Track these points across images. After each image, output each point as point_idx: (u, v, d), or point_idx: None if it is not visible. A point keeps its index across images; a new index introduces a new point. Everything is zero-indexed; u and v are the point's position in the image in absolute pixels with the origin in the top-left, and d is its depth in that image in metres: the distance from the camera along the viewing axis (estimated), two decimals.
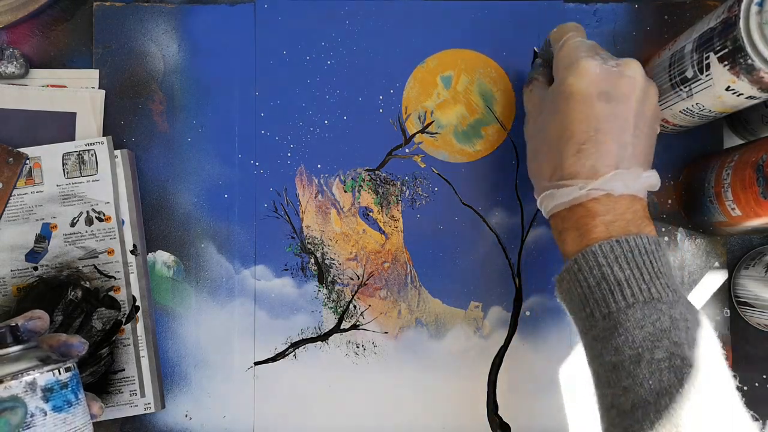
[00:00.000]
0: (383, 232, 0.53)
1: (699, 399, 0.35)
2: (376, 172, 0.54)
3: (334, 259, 0.53)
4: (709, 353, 0.37)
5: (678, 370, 0.35)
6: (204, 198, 0.53)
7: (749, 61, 0.38)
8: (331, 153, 0.54)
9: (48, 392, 0.38)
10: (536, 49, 0.51)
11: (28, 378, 0.38)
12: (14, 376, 0.38)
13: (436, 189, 0.54)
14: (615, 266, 0.38)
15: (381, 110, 0.54)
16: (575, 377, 0.52)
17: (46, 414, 0.38)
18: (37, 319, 0.42)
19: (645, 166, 0.42)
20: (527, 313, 0.53)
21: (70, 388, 0.40)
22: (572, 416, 0.52)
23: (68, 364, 0.40)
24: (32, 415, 0.37)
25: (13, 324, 0.40)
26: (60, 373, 0.39)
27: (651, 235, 0.40)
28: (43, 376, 0.38)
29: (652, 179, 0.42)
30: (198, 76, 0.54)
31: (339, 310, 0.53)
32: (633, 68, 0.42)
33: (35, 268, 0.50)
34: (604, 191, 0.40)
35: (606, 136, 0.40)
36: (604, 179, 0.40)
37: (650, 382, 0.36)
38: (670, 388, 0.35)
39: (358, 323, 0.53)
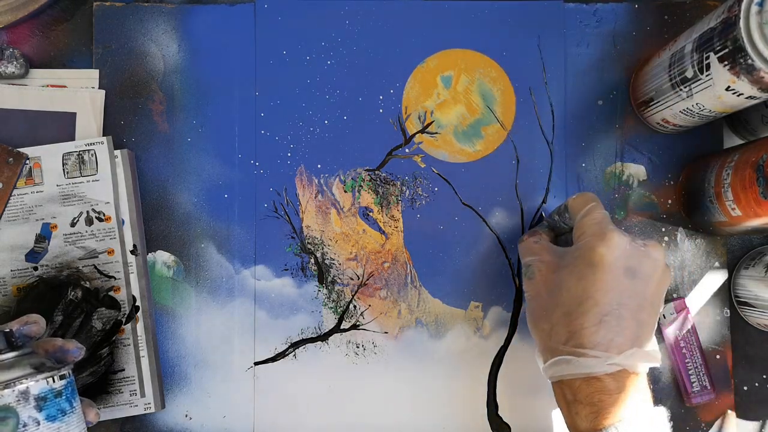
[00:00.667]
0: (383, 232, 0.53)
1: None
2: (376, 172, 0.54)
3: (334, 259, 0.53)
4: None
5: None
6: (204, 198, 0.53)
7: (749, 61, 0.38)
8: (331, 153, 0.54)
9: (41, 401, 0.37)
10: (544, 214, 0.53)
11: (21, 387, 0.37)
12: (6, 384, 0.37)
13: (436, 189, 0.54)
14: None
15: (381, 110, 0.54)
16: None
17: (39, 423, 0.37)
18: (33, 323, 0.41)
19: (652, 344, 0.42)
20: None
21: (64, 397, 0.39)
22: None
23: (63, 372, 0.39)
24: (24, 425, 0.37)
25: (8, 330, 0.39)
26: (54, 381, 0.38)
27: (655, 412, 0.41)
28: (37, 385, 0.37)
29: (658, 355, 0.42)
30: (198, 76, 0.54)
31: (339, 310, 0.53)
32: (658, 251, 0.43)
33: (35, 268, 0.50)
34: (621, 367, 0.40)
35: (627, 311, 0.41)
36: (625, 356, 0.40)
37: None
38: None
39: (358, 323, 0.53)
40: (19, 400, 0.37)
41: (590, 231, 0.43)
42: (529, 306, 0.46)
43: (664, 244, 0.53)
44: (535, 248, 0.47)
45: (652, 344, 0.42)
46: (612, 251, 0.42)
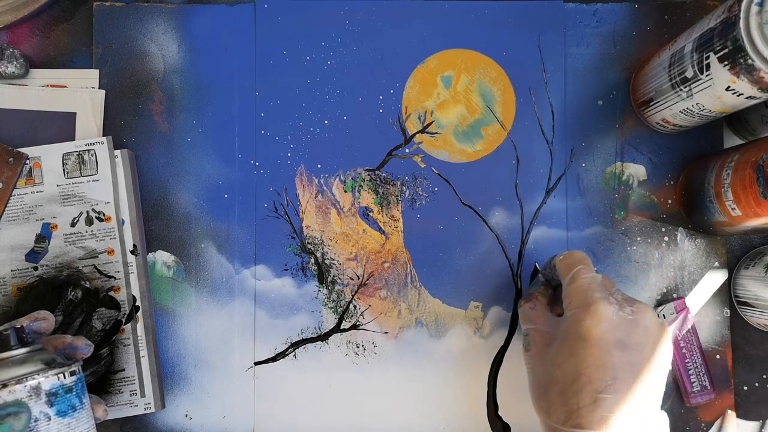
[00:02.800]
0: (383, 232, 0.53)
1: None
2: (376, 172, 0.54)
3: (334, 259, 0.53)
4: None
5: None
6: (204, 198, 0.53)
7: (749, 61, 0.38)
8: (331, 153, 0.54)
9: (53, 397, 0.38)
10: (537, 266, 0.51)
11: (32, 382, 0.37)
12: (19, 380, 0.37)
13: (436, 189, 0.54)
14: None
15: (381, 110, 0.54)
16: None
17: (50, 419, 0.38)
18: (43, 320, 0.42)
19: (657, 409, 0.41)
20: None
21: (74, 393, 0.39)
22: None
23: (73, 368, 0.40)
24: (36, 420, 0.37)
25: (18, 326, 0.40)
26: (65, 377, 0.39)
27: None
28: (48, 381, 0.38)
29: (663, 424, 0.41)
30: (198, 76, 0.54)
31: (339, 310, 0.53)
32: (648, 318, 0.41)
33: (35, 268, 0.50)
34: None
35: (624, 385, 0.40)
36: None
37: None
38: None
39: (358, 323, 0.53)
40: (30, 396, 0.37)
41: (576, 302, 0.42)
42: (528, 379, 0.45)
43: (663, 244, 0.53)
44: (531, 315, 0.46)
45: (654, 411, 0.41)
46: (599, 325, 0.40)
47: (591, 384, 0.40)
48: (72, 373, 0.39)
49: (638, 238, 0.53)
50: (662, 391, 0.42)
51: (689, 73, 0.44)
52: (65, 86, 0.53)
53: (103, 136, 0.52)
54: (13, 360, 0.38)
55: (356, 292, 0.53)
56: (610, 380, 0.39)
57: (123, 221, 0.51)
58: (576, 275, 0.43)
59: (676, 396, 0.53)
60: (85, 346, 0.42)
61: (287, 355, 0.53)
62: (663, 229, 0.54)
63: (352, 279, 0.53)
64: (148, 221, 0.53)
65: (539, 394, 0.43)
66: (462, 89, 0.54)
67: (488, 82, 0.54)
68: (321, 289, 0.53)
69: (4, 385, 0.37)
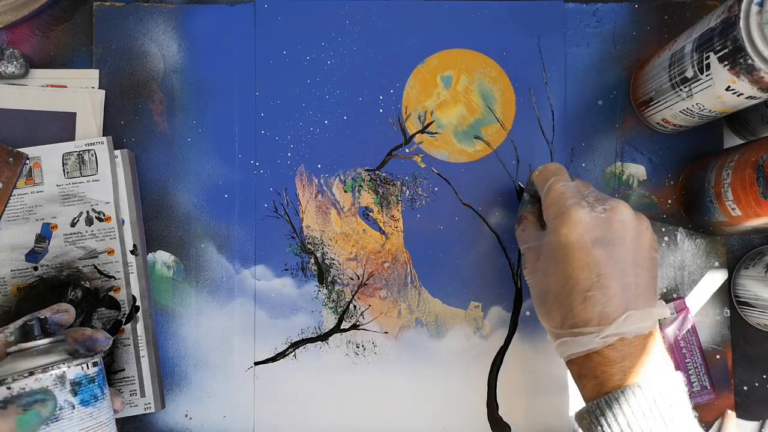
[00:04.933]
0: (383, 232, 0.53)
1: None
2: (376, 172, 0.54)
3: (334, 259, 0.53)
4: None
5: None
6: (204, 198, 0.53)
7: (749, 61, 0.38)
8: (331, 153, 0.54)
9: (77, 386, 0.39)
10: (521, 185, 0.52)
11: (57, 371, 0.38)
12: (45, 368, 0.38)
13: (436, 189, 0.54)
14: (638, 413, 0.39)
15: (381, 110, 0.54)
16: None
17: (74, 407, 0.39)
18: (64, 312, 0.43)
19: (652, 300, 0.42)
20: (527, 313, 0.53)
21: (97, 383, 0.40)
22: (572, 416, 0.52)
23: (95, 359, 0.41)
24: (61, 408, 0.38)
25: (42, 316, 0.41)
26: (88, 368, 0.40)
27: (668, 375, 0.40)
28: (72, 370, 0.39)
29: (662, 313, 0.42)
30: (198, 76, 0.54)
31: (339, 310, 0.53)
32: (621, 212, 0.42)
33: (35, 268, 0.50)
34: (618, 335, 0.40)
35: (609, 280, 0.41)
36: (617, 324, 0.40)
37: None
38: None
39: (358, 323, 0.53)
40: (56, 384, 0.38)
41: (552, 212, 0.43)
42: (531, 294, 0.46)
43: (663, 244, 0.53)
44: (523, 237, 0.47)
45: (650, 302, 0.41)
46: (573, 229, 0.42)
47: (578, 285, 0.41)
48: (94, 364, 0.41)
49: None
50: (654, 279, 0.43)
51: (689, 73, 0.44)
52: (65, 86, 0.53)
53: (103, 136, 0.52)
54: (38, 349, 0.39)
55: (356, 292, 0.53)
56: (595, 278, 0.41)
57: (123, 221, 0.51)
58: (550, 186, 0.45)
59: None
60: (105, 339, 0.44)
61: (287, 355, 0.53)
62: (663, 229, 0.54)
63: (352, 279, 0.53)
64: (148, 221, 0.53)
65: (539, 305, 0.45)
66: (462, 89, 0.54)
67: (488, 82, 0.54)
68: (321, 289, 0.53)
69: (31, 373, 0.38)
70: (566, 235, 0.42)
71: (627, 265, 0.41)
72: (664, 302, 0.42)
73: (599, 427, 0.40)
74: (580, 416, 0.42)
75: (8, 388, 0.37)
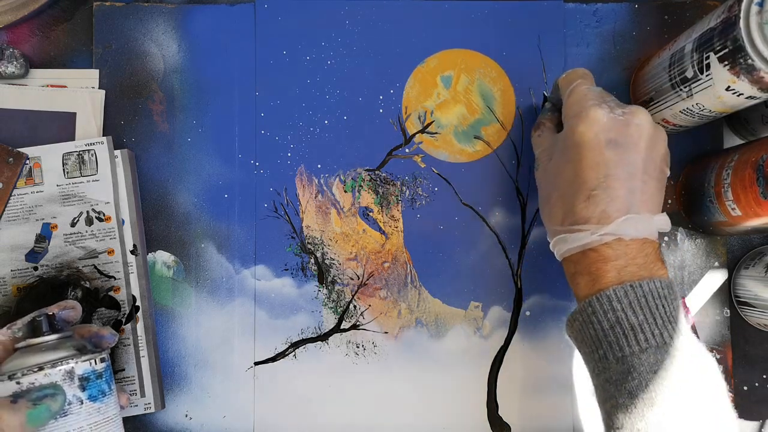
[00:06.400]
0: (383, 232, 0.53)
1: None
2: (376, 172, 0.54)
3: (334, 259, 0.53)
4: (718, 397, 0.38)
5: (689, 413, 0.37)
6: (204, 198, 0.53)
7: (749, 61, 0.38)
8: (331, 153, 0.54)
9: (85, 381, 0.39)
10: (546, 94, 0.53)
11: (66, 366, 0.39)
12: (53, 364, 0.39)
13: (436, 189, 0.54)
14: (629, 311, 0.39)
15: (381, 110, 0.54)
16: (575, 377, 0.52)
17: (82, 402, 0.39)
18: (71, 309, 0.43)
19: (655, 209, 0.42)
20: (527, 313, 0.53)
21: (104, 379, 0.41)
22: (572, 416, 0.52)
23: (103, 355, 0.41)
24: (70, 403, 0.39)
25: (50, 313, 0.42)
26: (96, 363, 0.41)
27: (663, 279, 0.40)
28: (81, 366, 0.40)
29: (662, 222, 0.42)
30: (198, 76, 0.54)
31: (339, 310, 0.53)
32: (640, 117, 0.43)
33: (35, 268, 0.50)
34: (615, 236, 0.40)
35: (616, 182, 0.41)
36: (616, 224, 0.40)
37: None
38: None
39: (358, 323, 0.53)
40: (65, 379, 0.39)
41: (572, 112, 0.44)
42: (538, 196, 0.47)
43: (664, 244, 0.53)
44: (538, 141, 0.48)
45: (655, 210, 0.42)
46: (590, 128, 0.42)
47: (585, 184, 0.42)
48: (102, 360, 0.41)
49: None
50: (661, 191, 0.43)
51: (689, 73, 0.44)
52: (65, 86, 0.53)
53: (103, 136, 0.52)
54: (46, 345, 0.40)
55: (356, 292, 0.53)
56: (602, 177, 0.41)
57: (123, 221, 0.51)
58: (574, 89, 0.45)
59: None
60: (111, 336, 0.44)
61: (287, 355, 0.53)
62: None
63: (352, 279, 0.53)
64: (148, 221, 0.53)
65: (544, 204, 0.45)
66: (462, 89, 0.54)
67: (488, 82, 0.54)
68: (321, 289, 0.53)
69: (40, 369, 0.38)
70: (582, 133, 0.42)
71: (636, 169, 0.42)
72: (666, 215, 0.42)
73: (590, 326, 0.40)
74: (571, 320, 0.42)
75: (17, 383, 0.38)
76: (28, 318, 0.41)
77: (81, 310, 0.44)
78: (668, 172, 0.44)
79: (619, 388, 0.39)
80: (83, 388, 0.39)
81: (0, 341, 0.41)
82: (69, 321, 0.44)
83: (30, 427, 0.36)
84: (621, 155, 0.41)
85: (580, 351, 0.43)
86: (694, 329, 0.52)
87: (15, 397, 0.37)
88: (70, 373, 0.39)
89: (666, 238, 0.54)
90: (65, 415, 0.38)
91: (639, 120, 0.42)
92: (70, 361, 0.39)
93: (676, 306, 0.40)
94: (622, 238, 0.40)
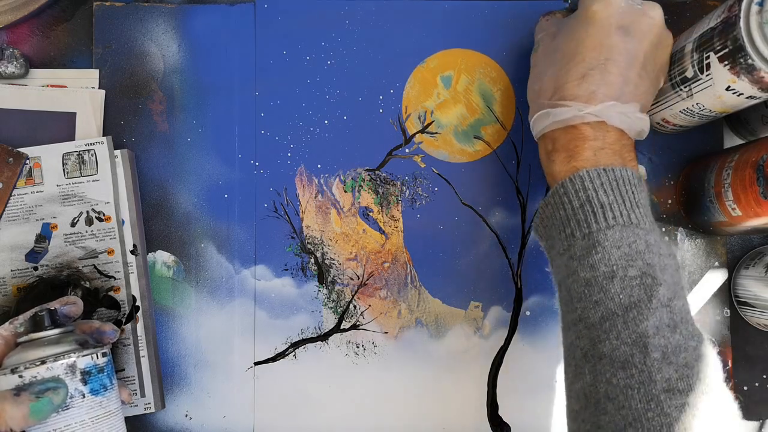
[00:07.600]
0: (383, 232, 0.53)
1: (664, 313, 0.37)
2: (376, 172, 0.54)
3: (334, 259, 0.53)
4: (677, 277, 0.39)
5: (648, 288, 0.38)
6: (204, 198, 0.53)
7: (749, 61, 0.38)
8: (331, 153, 0.54)
9: (86, 375, 0.40)
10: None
11: (68, 360, 0.39)
12: (56, 357, 0.39)
13: (436, 189, 0.54)
14: (600, 191, 0.40)
15: (381, 110, 0.54)
16: None
17: (84, 396, 0.40)
18: (72, 304, 0.44)
19: (642, 108, 0.43)
20: (527, 313, 0.53)
21: (105, 373, 0.41)
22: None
23: (104, 350, 0.42)
24: (72, 397, 0.39)
25: (52, 308, 0.42)
26: (98, 358, 0.41)
27: (635, 170, 0.41)
28: (83, 360, 0.40)
29: (644, 122, 0.43)
30: (198, 76, 0.54)
31: (339, 310, 0.53)
32: (656, 10, 0.43)
33: (35, 268, 0.50)
34: (598, 118, 0.41)
35: (615, 67, 0.41)
36: (603, 106, 0.41)
37: (621, 297, 0.38)
38: (639, 302, 0.37)
39: (358, 323, 0.53)
40: (67, 373, 0.39)
41: None
42: (529, 77, 0.47)
43: None
44: (545, 25, 0.48)
45: (639, 108, 0.42)
46: (606, 8, 0.42)
47: (584, 62, 0.42)
48: (104, 354, 0.42)
49: None
50: (651, 95, 0.44)
51: (689, 73, 0.44)
52: (65, 86, 0.53)
53: (103, 136, 0.52)
54: (48, 339, 0.40)
55: (356, 292, 0.53)
56: (603, 59, 0.41)
57: (123, 221, 0.51)
58: None
59: None
60: (112, 332, 0.45)
61: (287, 355, 0.53)
62: (663, 229, 0.54)
63: (352, 279, 0.53)
64: (148, 221, 0.53)
65: (535, 80, 0.45)
66: (462, 89, 0.54)
67: (488, 82, 0.54)
68: (321, 289, 0.53)
69: (43, 362, 0.39)
70: (595, 12, 0.42)
71: (637, 62, 0.42)
72: (648, 119, 0.43)
73: (561, 207, 0.41)
74: (543, 206, 0.43)
75: (20, 377, 0.38)
76: (30, 313, 0.42)
77: (82, 305, 0.45)
78: (662, 83, 0.45)
79: (582, 262, 0.39)
80: (85, 382, 0.40)
81: (2, 336, 0.42)
82: (70, 316, 0.44)
83: (33, 419, 0.37)
84: (626, 43, 0.42)
85: (546, 240, 0.43)
86: None
87: (18, 390, 0.38)
88: (72, 367, 0.39)
89: (666, 238, 0.54)
90: (67, 409, 0.39)
91: (654, 14, 0.43)
92: (72, 355, 0.40)
93: (644, 195, 0.41)
94: (604, 122, 0.41)
